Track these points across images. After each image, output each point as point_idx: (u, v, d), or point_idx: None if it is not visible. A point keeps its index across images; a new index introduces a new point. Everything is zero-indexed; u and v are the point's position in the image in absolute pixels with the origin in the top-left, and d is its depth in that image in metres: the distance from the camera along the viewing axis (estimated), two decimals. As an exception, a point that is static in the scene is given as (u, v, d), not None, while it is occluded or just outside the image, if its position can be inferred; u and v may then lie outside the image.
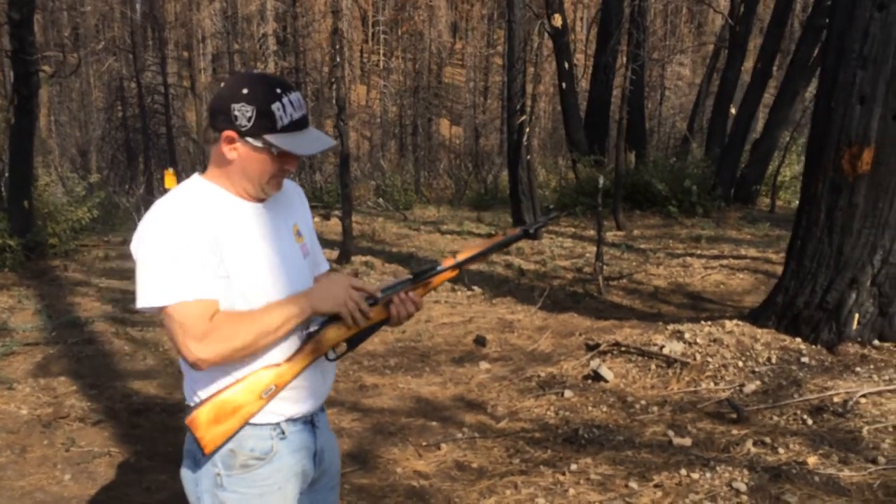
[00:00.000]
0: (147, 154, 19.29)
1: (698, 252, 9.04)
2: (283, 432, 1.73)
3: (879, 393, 4.12)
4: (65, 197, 10.11)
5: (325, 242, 9.94)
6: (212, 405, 1.65)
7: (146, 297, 1.58)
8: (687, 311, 6.48)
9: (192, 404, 1.71)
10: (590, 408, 4.46)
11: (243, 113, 1.62)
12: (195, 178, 1.74)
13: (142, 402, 4.66)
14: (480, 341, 5.85)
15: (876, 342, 4.60)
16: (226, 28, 26.96)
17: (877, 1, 4.26)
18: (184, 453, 1.76)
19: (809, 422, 3.96)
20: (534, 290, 7.42)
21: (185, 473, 1.75)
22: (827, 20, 5.29)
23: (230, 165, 1.68)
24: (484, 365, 5.36)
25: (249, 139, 1.65)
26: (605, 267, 7.63)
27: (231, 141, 1.66)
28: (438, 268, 1.86)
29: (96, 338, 6.06)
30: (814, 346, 4.73)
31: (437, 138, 30.84)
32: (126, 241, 9.88)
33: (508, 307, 6.92)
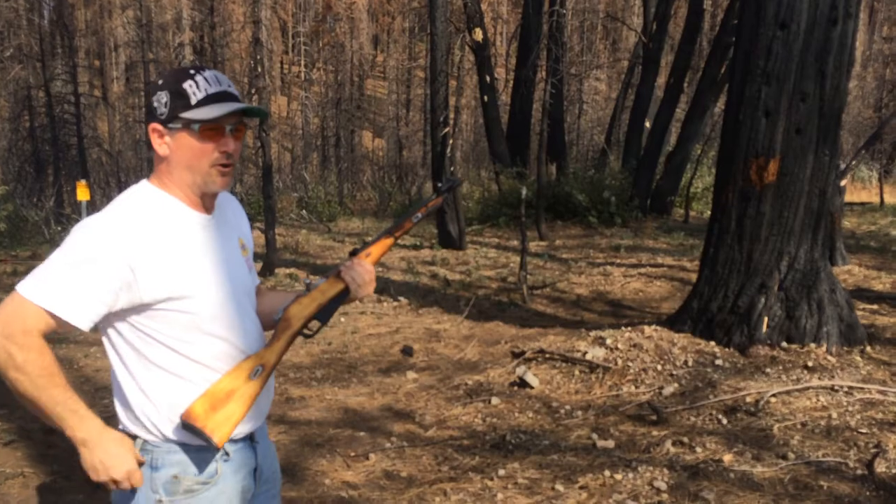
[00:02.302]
0: (57, 165, 18.54)
1: (618, 261, 9.30)
2: (227, 453, 1.68)
3: (788, 392, 4.34)
4: (-31, 210, 9.62)
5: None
6: (203, 396, 1.60)
7: (24, 281, 1.51)
8: (608, 318, 6.67)
9: (135, 428, 1.64)
10: (516, 414, 4.54)
11: (160, 100, 1.59)
12: (143, 185, 1.66)
13: (56, 422, 4.47)
14: (407, 351, 5.87)
15: (784, 344, 4.84)
16: (140, 36, 26.21)
17: (779, 20, 4.52)
18: None
19: (724, 421, 4.13)
20: (459, 299, 7.49)
21: (122, 501, 1.65)
22: (734, 38, 5.56)
23: (165, 162, 1.62)
24: (411, 375, 5.37)
25: (171, 125, 1.59)
26: (528, 276, 7.77)
27: (159, 134, 1.61)
28: (370, 240, 1.91)
29: (5, 356, 5.79)
30: (727, 349, 4.94)
31: (361, 150, 30.77)
32: (35, 255, 9.49)
33: (435, 317, 6.97)
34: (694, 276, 8.11)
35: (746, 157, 4.76)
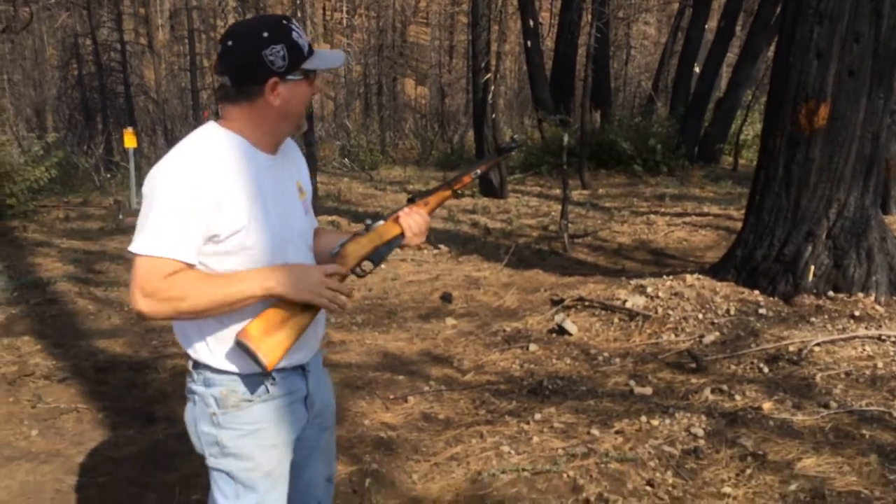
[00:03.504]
0: (105, 113, 18.81)
1: (662, 210, 9.16)
2: (274, 379, 1.76)
3: (832, 342, 4.27)
4: (22, 157, 9.84)
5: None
6: (259, 319, 1.67)
7: (133, 243, 1.61)
8: (650, 267, 6.60)
9: (190, 351, 1.75)
10: (554, 360, 4.55)
11: (276, 54, 1.64)
12: (213, 127, 1.72)
13: (108, 360, 4.64)
14: (447, 298, 5.90)
15: (830, 293, 4.74)
16: (185, -18, 26.18)
17: (835, -43, 4.31)
18: (187, 396, 1.81)
19: (766, 370, 4.09)
20: (499, 247, 7.48)
21: (187, 414, 1.81)
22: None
23: (270, 112, 1.69)
24: (450, 321, 5.41)
25: (290, 77, 1.67)
26: (570, 225, 7.70)
27: (273, 87, 1.66)
28: (430, 190, 1.95)
29: (60, 298, 5.99)
30: (771, 298, 4.86)
31: (403, 98, 30.55)
32: (86, 202, 9.69)
33: (474, 265, 6.98)
34: (740, 226, 8.00)
35: (796, 100, 4.60)
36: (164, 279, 1.59)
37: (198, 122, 18.71)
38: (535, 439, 3.52)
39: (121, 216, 9.34)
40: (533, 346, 4.73)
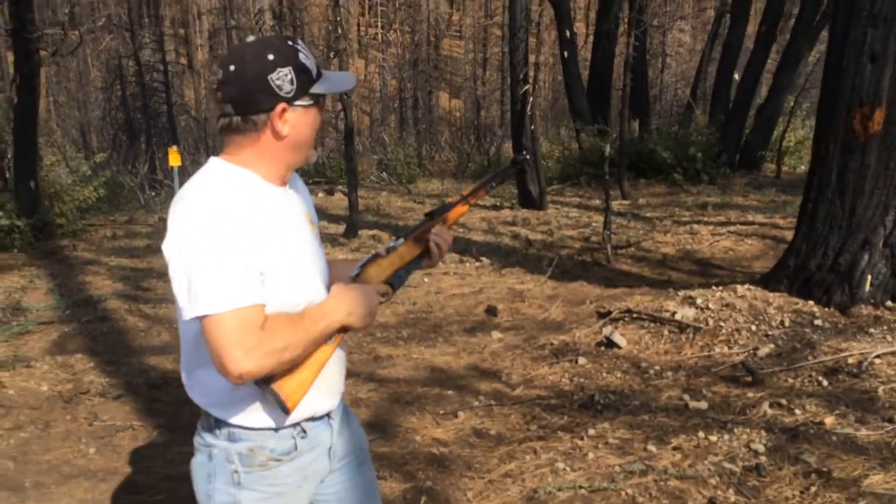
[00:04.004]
0: (148, 132, 19.20)
1: (705, 219, 9.03)
2: (304, 431, 1.66)
3: (893, 353, 4.14)
4: (70, 177, 10.07)
5: (332, 217, 9.95)
6: None
7: (199, 304, 1.44)
8: (696, 278, 6.49)
9: (213, 410, 1.60)
10: (604, 374, 4.49)
11: (283, 78, 1.53)
12: (219, 163, 1.58)
13: (160, 377, 4.69)
14: (491, 311, 5.87)
15: (889, 303, 4.61)
16: (222, 3, 26.70)
17: (888, -41, 4.22)
18: (196, 446, 1.67)
19: (825, 383, 3.99)
20: (542, 259, 7.43)
21: (198, 468, 1.66)
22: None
23: (279, 142, 1.57)
24: (496, 334, 5.38)
25: (298, 102, 1.56)
26: (612, 236, 7.63)
27: (282, 114, 1.55)
28: (449, 204, 1.88)
29: (110, 315, 6.08)
30: (826, 309, 4.74)
31: (438, 111, 30.69)
32: (132, 220, 9.85)
33: (517, 277, 6.94)
34: (787, 234, 7.83)
35: (850, 105, 4.49)
36: (262, 330, 1.46)
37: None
38: (591, 455, 3.46)
39: (166, 233, 9.48)
40: (582, 360, 4.68)
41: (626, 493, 3.12)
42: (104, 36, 23.25)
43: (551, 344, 5.03)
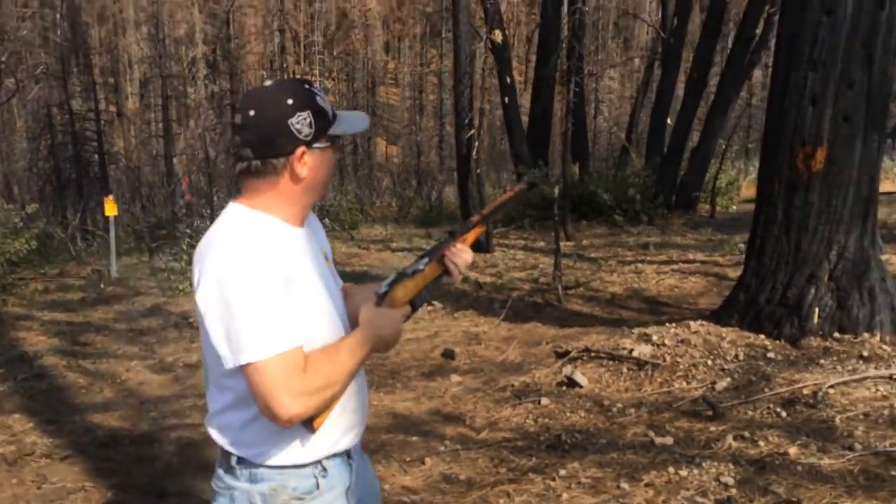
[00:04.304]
0: (80, 182, 18.67)
1: (648, 258, 9.22)
2: (325, 469, 1.66)
3: (846, 383, 4.26)
4: (-1, 229, 9.65)
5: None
6: None
7: (243, 353, 1.46)
8: (646, 315, 6.59)
9: (234, 448, 1.61)
10: (568, 413, 4.48)
11: (303, 121, 1.55)
12: (240, 209, 1.61)
13: (107, 435, 4.48)
14: (448, 354, 5.83)
15: (836, 334, 4.76)
16: (158, 50, 26.42)
17: (825, 5, 4.46)
18: (216, 490, 1.67)
19: (783, 414, 4.07)
20: (493, 302, 7.44)
21: None
22: (777, 25, 5.48)
23: (299, 185, 1.59)
24: (455, 378, 5.33)
25: (316, 145, 1.59)
26: (562, 276, 7.70)
27: (302, 156, 1.57)
28: (469, 224, 1.88)
29: (48, 372, 5.81)
30: (777, 342, 4.87)
31: (376, 158, 30.80)
32: (63, 273, 9.48)
33: (471, 320, 6.92)
34: (729, 271, 8.07)
35: (793, 145, 4.69)
36: (305, 372, 1.49)
37: (173, 187, 18.69)
38: (565, 496, 3.43)
39: (102, 285, 9.17)
40: (544, 400, 4.66)
41: (604, 533, 3.09)
42: (31, 85, 22.66)
43: (512, 385, 5.01)
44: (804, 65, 4.56)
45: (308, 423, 1.56)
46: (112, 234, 9.97)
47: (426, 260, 1.80)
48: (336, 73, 32.40)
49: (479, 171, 9.96)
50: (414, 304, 1.79)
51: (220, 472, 1.66)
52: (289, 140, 1.55)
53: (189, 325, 7.03)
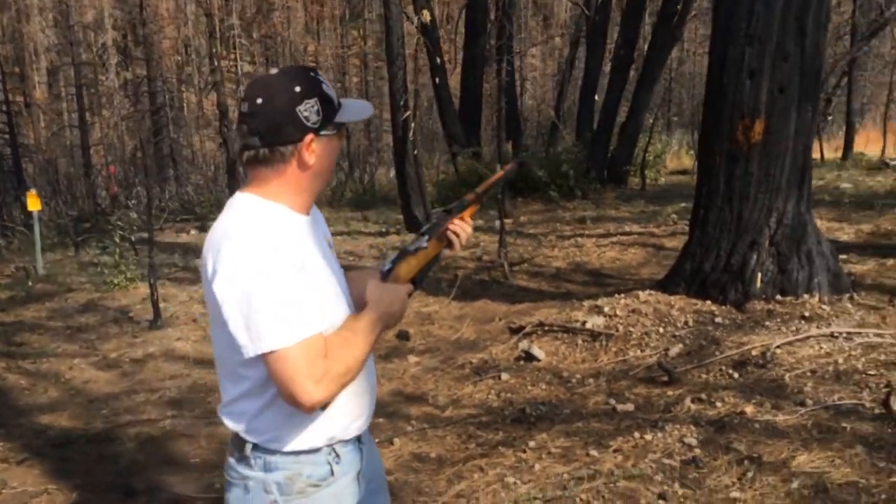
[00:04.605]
0: (-8, 177, 17.75)
1: (586, 232, 9.41)
2: (338, 455, 1.67)
3: (791, 343, 4.48)
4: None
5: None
6: None
7: (265, 341, 1.46)
8: (592, 288, 6.74)
9: (249, 436, 1.61)
10: (529, 387, 4.57)
11: (311, 109, 1.55)
12: (250, 198, 1.60)
13: (60, 436, 4.33)
14: (403, 336, 5.84)
15: (778, 297, 4.98)
16: (67, 38, 25.25)
17: (761, -19, 4.62)
18: (229, 480, 1.66)
19: (736, 375, 4.24)
20: (441, 281, 7.47)
21: (234, 502, 1.66)
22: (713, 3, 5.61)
23: (306, 172, 1.60)
24: (413, 358, 5.36)
25: (324, 132, 1.59)
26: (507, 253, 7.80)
27: (310, 144, 1.57)
28: (465, 201, 1.91)
29: (-15, 375, 5.56)
30: (723, 307, 5.07)
31: (303, 142, 30.23)
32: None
33: (421, 300, 6.94)
34: (666, 241, 8.32)
35: (732, 118, 4.86)
36: (326, 358, 1.50)
37: (91, 179, 17.92)
38: (537, 467, 3.51)
39: (29, 283, 8.79)
40: (504, 375, 4.74)
41: (581, 499, 3.18)
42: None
43: (470, 363, 5.07)
44: (741, 40, 4.72)
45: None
46: (37, 229, 9.55)
47: (427, 237, 1.83)
48: (256, 58, 31.69)
49: (415, 152, 9.93)
50: (416, 281, 1.82)
51: (232, 461, 1.66)
52: (297, 128, 1.55)
53: (129, 319, 6.84)
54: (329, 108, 1.59)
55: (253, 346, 1.48)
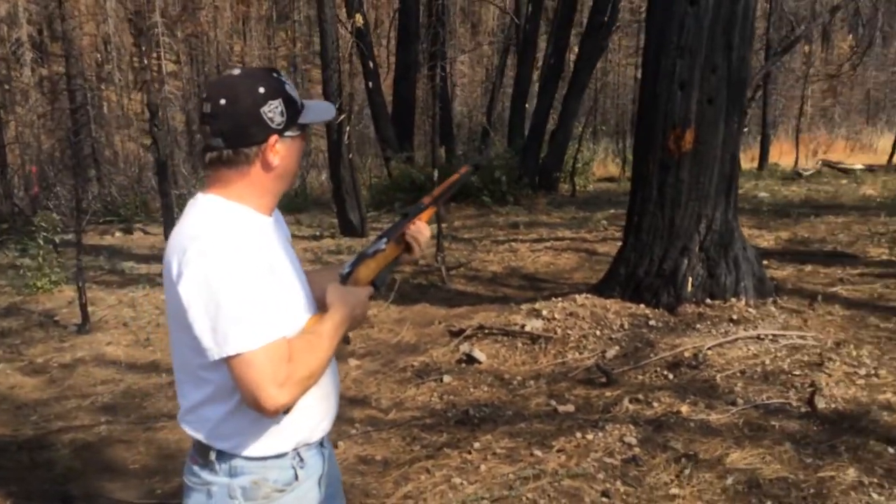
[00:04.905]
0: None
1: (520, 237, 9.57)
2: (302, 459, 1.67)
3: (720, 344, 4.66)
4: None
5: (140, 258, 9.32)
6: None
7: (229, 344, 1.45)
8: (528, 292, 6.86)
9: (216, 442, 1.59)
10: (471, 389, 4.63)
11: (274, 111, 1.55)
12: (213, 199, 1.59)
13: (-12, 445, 4.16)
14: (344, 339, 5.79)
15: (708, 301, 5.19)
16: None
17: (690, -4, 4.82)
18: (189, 486, 1.64)
19: (670, 376, 4.40)
20: (378, 285, 7.47)
21: None
22: (645, 14, 5.80)
23: (270, 174, 1.59)
24: (353, 361, 5.35)
25: (288, 133, 1.59)
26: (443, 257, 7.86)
27: (274, 145, 1.57)
28: (421, 205, 1.94)
29: None
30: (657, 310, 5.24)
31: (229, 144, 29.62)
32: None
33: (358, 304, 6.93)
34: (598, 247, 8.54)
35: (665, 128, 5.05)
36: (289, 362, 1.49)
37: (7, 178, 17.13)
38: (483, 467, 3.56)
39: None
40: (446, 378, 4.78)
41: (528, 498, 3.24)
42: None
43: (412, 366, 5.09)
44: (672, 52, 4.91)
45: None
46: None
47: (385, 240, 1.86)
48: (181, 57, 30.92)
49: (350, 155, 9.90)
50: (376, 284, 1.84)
51: (194, 468, 1.64)
52: (261, 129, 1.54)
53: (56, 323, 6.60)
54: (293, 110, 1.59)
55: (218, 349, 1.47)
